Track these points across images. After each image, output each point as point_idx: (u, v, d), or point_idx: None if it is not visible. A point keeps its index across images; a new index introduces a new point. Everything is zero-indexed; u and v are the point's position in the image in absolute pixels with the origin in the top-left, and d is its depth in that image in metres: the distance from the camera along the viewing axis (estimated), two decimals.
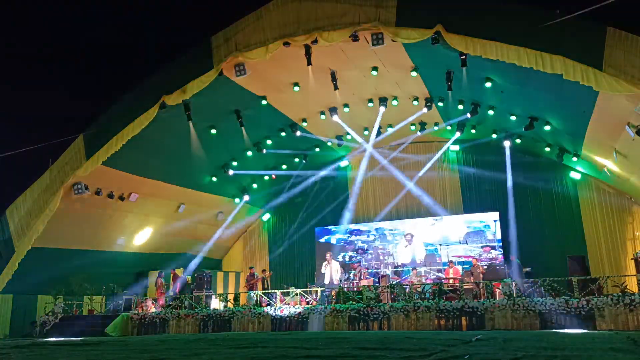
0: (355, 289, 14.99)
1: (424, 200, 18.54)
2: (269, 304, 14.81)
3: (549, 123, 14.46)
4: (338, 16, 11.71)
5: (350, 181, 20.40)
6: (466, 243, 18.13)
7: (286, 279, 19.67)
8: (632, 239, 16.25)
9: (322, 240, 20.40)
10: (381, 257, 19.25)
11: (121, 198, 16.14)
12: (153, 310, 15.81)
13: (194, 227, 19.18)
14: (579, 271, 13.10)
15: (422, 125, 17.33)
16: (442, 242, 18.46)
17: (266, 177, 19.72)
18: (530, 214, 17.40)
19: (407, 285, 14.68)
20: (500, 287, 12.88)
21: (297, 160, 19.29)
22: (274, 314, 14.08)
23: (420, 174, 18.68)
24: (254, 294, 15.40)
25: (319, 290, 15.14)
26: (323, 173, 20.13)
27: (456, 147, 18.40)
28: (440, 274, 16.99)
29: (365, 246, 19.66)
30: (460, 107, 15.27)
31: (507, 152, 17.02)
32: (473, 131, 17.03)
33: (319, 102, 15.99)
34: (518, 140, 16.71)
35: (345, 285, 15.51)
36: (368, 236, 19.77)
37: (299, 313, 13.80)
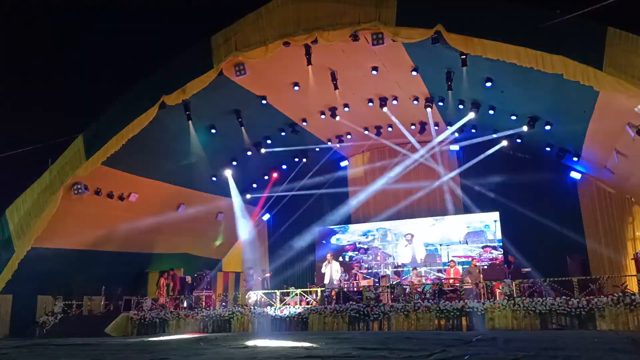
0: (355, 289, 14.98)
1: (424, 200, 18.52)
2: (269, 304, 14.81)
3: (549, 123, 14.45)
4: (338, 16, 11.67)
5: (350, 181, 20.41)
6: (466, 243, 18.12)
7: (286, 279, 19.65)
8: (632, 239, 16.24)
9: (322, 240, 20.39)
10: (380, 258, 19.24)
11: (121, 198, 16.11)
12: (154, 309, 15.78)
13: (194, 227, 19.16)
14: (579, 271, 13.10)
15: (422, 125, 17.32)
16: (442, 242, 18.45)
17: (266, 177, 19.70)
18: (530, 214, 17.38)
19: (407, 285, 14.67)
20: (500, 287, 12.88)
21: (296, 159, 19.28)
22: (273, 314, 14.07)
23: (420, 174, 18.63)
24: (254, 293, 15.40)
25: (319, 290, 15.14)
26: (323, 173, 20.10)
27: (456, 147, 18.39)
28: (440, 274, 16.98)
29: (366, 246, 19.66)
30: (461, 107, 15.26)
31: (507, 152, 16.97)
32: (473, 131, 17.01)
33: (319, 102, 15.98)
34: (518, 140, 16.68)
35: (345, 286, 15.51)
36: (368, 236, 19.76)
37: (299, 313, 13.79)
